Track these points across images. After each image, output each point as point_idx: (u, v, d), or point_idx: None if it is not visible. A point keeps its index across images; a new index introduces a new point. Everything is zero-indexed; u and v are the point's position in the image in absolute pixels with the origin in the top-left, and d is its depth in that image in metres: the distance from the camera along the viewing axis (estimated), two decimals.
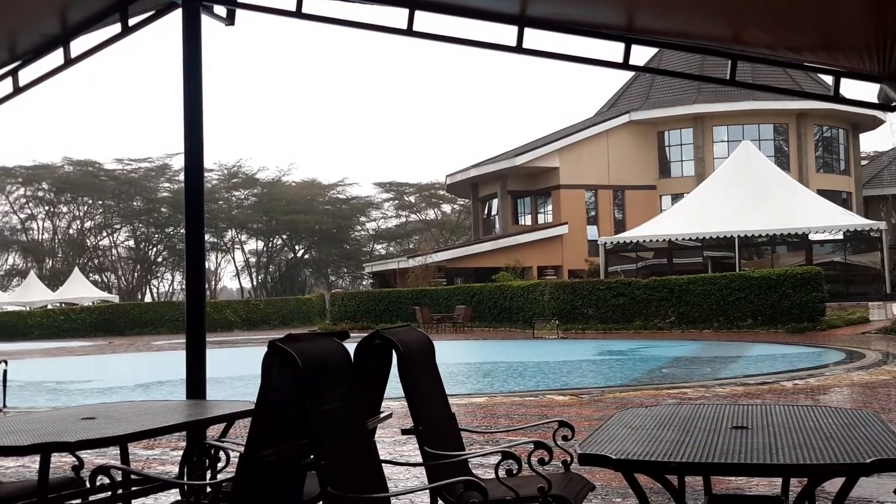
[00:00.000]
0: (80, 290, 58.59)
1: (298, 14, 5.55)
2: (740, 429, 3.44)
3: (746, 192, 34.87)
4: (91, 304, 53.72)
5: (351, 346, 3.60)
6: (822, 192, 40.73)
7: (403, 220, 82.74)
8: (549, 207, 50.43)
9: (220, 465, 4.16)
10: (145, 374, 20.27)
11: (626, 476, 3.08)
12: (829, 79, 5.72)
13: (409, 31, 5.48)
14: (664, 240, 36.70)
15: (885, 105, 5.53)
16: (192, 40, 5.84)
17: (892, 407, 10.00)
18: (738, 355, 19.99)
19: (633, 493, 3.18)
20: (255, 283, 78.98)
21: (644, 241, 37.52)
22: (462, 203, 73.49)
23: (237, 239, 78.12)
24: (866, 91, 5.80)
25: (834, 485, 3.18)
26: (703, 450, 3.05)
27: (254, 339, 35.54)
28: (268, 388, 2.96)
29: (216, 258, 79.61)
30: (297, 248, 79.92)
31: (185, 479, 4.44)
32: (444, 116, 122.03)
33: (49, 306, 54.32)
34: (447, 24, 5.59)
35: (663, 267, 36.62)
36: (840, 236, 34.61)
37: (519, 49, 5.53)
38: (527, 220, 52.43)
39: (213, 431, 5.20)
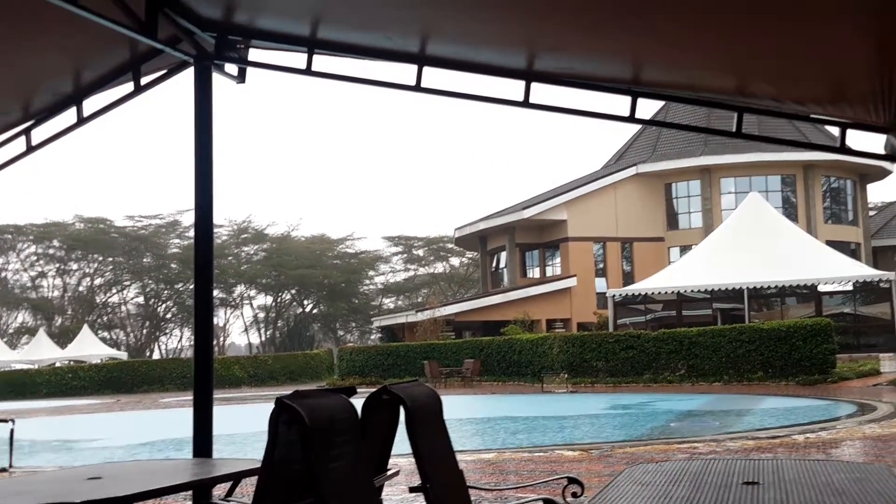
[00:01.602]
0: (88, 347, 58.53)
1: (308, 71, 5.62)
2: (752, 485, 3.39)
3: (755, 244, 34.83)
4: (99, 361, 53.64)
5: (358, 402, 3.58)
6: (830, 243, 40.67)
7: (412, 273, 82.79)
8: (558, 260, 50.45)
9: None
10: (153, 431, 20.15)
11: None
12: (835, 130, 5.74)
13: (417, 87, 5.54)
14: (673, 292, 36.59)
15: (892, 156, 5.54)
16: (203, 98, 5.91)
17: None
18: (749, 408, 19.79)
19: None
20: (263, 338, 78.85)
21: (653, 293, 37.39)
22: (470, 256, 73.57)
23: (246, 294, 78.21)
24: (873, 142, 5.82)
25: None
26: None
27: (261, 395, 35.37)
28: (274, 445, 2.94)
29: (225, 314, 79.63)
30: (305, 302, 79.92)
31: None
32: (452, 170, 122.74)
33: (58, 364, 54.23)
34: (455, 79, 5.65)
35: (672, 319, 36.47)
36: (849, 287, 34.47)
37: (526, 104, 5.58)
38: (535, 273, 52.41)
39: (220, 490, 5.14)
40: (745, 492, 3.25)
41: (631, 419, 18.54)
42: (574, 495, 3.96)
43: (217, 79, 5.93)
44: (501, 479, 9.36)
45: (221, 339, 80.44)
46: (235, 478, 4.21)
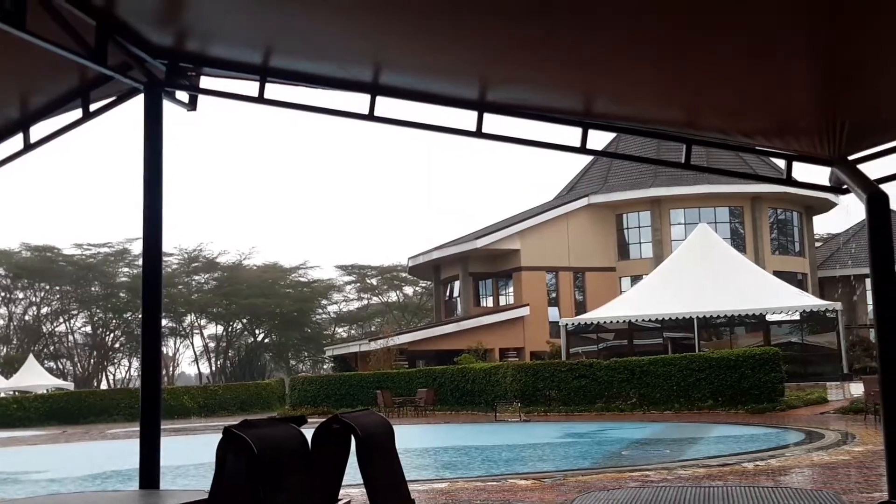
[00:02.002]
0: (34, 377, 57.28)
1: (260, 99, 5.60)
2: None
3: (704, 274, 35.34)
4: (45, 391, 52.50)
5: (309, 432, 3.55)
6: (777, 274, 41.35)
7: (365, 302, 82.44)
8: (511, 289, 50.62)
9: None
10: (99, 463, 19.73)
11: None
12: (782, 163, 5.85)
13: (370, 117, 5.55)
14: (624, 321, 36.90)
15: (836, 188, 5.66)
16: (153, 125, 5.86)
17: (852, 487, 10.01)
18: (700, 436, 19.96)
19: None
20: (213, 368, 77.81)
21: (605, 322, 37.68)
22: (424, 285, 73.52)
23: (196, 324, 77.20)
24: (818, 174, 5.95)
25: None
26: None
27: (211, 425, 34.85)
28: (222, 476, 2.89)
29: (175, 343, 78.49)
30: (257, 332, 79.13)
31: None
32: (406, 199, 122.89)
33: (2, 395, 52.97)
34: (408, 108, 5.68)
35: (624, 348, 36.74)
36: (797, 317, 35.05)
37: (479, 133, 5.62)
38: (488, 302, 52.53)
39: None
40: None
41: (583, 448, 18.58)
42: None
43: (168, 106, 5.89)
44: None
45: (171, 368, 79.25)
46: None
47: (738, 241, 47.79)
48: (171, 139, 6.00)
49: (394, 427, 4.33)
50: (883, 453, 5.08)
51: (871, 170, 5.41)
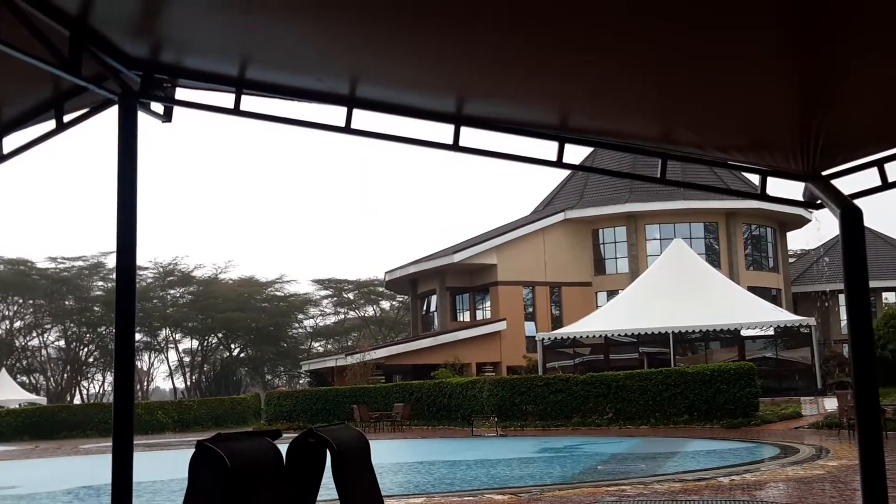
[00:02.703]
0: (6, 392, 56.58)
1: (236, 111, 5.56)
2: None
3: (679, 289, 35.54)
4: (18, 406, 51.86)
5: (284, 446, 3.51)
6: (752, 289, 41.66)
7: (342, 317, 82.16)
8: (488, 304, 50.66)
9: None
10: (72, 479, 19.49)
11: None
12: (756, 178, 5.89)
13: (347, 129, 5.53)
14: (600, 336, 37.01)
15: (810, 203, 5.70)
16: (128, 137, 5.80)
17: (827, 502, 10.05)
18: (676, 451, 20.00)
19: None
20: (188, 383, 77.19)
21: (581, 337, 37.76)
22: (401, 300, 73.41)
23: (171, 338, 76.60)
24: (793, 190, 5.99)
25: None
26: None
27: (186, 441, 34.52)
28: (195, 491, 2.85)
29: (149, 358, 77.84)
30: (232, 346, 78.61)
31: None
32: (383, 213, 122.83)
33: None
34: (385, 121, 5.67)
35: (600, 363, 36.82)
36: (771, 332, 35.28)
37: (456, 147, 5.61)
38: (465, 317, 52.53)
39: None
40: None
41: (560, 462, 18.57)
42: None
43: (143, 118, 5.84)
44: None
45: (145, 383, 78.58)
46: None
47: (712, 257, 48.11)
48: (146, 151, 5.95)
49: (370, 442, 4.30)
50: (857, 467, 5.11)
51: (845, 185, 5.45)
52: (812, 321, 34.62)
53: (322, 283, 78.33)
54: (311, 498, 3.86)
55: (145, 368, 77.89)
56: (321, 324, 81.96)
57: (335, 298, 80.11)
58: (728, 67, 4.44)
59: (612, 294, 45.70)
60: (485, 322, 49.06)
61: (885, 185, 5.28)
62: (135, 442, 5.63)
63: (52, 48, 4.72)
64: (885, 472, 4.89)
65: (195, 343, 77.66)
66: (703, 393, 27.27)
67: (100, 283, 74.12)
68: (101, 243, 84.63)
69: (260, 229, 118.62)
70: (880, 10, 3.65)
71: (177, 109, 5.93)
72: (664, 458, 18.34)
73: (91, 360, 76.95)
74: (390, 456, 20.77)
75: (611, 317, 37.34)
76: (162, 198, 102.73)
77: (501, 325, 47.36)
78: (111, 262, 70.13)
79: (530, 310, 49.53)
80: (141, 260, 72.14)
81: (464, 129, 5.60)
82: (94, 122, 6.15)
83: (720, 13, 3.86)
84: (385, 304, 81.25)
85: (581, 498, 11.18)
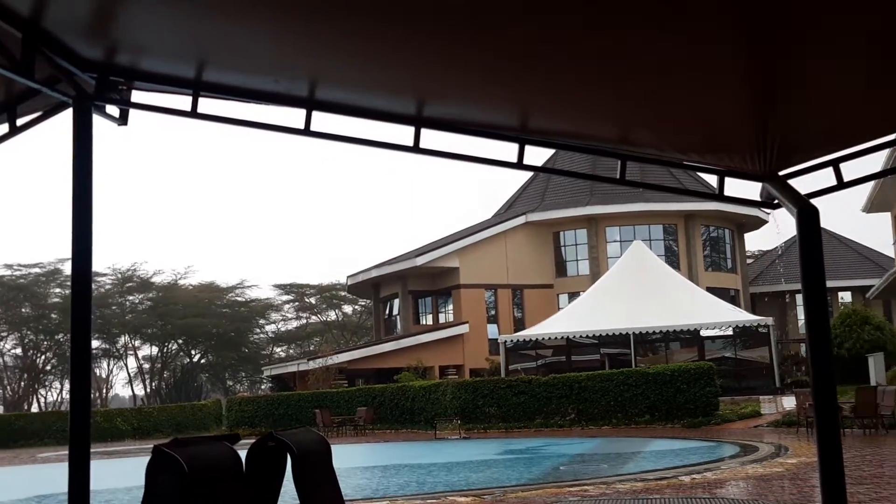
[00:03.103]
0: None
1: (194, 114, 5.50)
2: None
3: (640, 291, 35.83)
4: None
5: (244, 451, 3.47)
6: (711, 290, 42.12)
7: (304, 321, 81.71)
8: (450, 307, 50.69)
9: None
10: (29, 487, 19.18)
11: None
12: (714, 179, 5.93)
13: (306, 132, 5.49)
14: (562, 337, 37.18)
15: (767, 203, 5.77)
16: (82, 141, 5.71)
17: (787, 499, 10.17)
18: (637, 451, 20.14)
19: None
20: (148, 390, 76.28)
21: (543, 338, 37.91)
22: (363, 304, 73.20)
23: (130, 345, 75.67)
24: (750, 191, 6.06)
25: None
26: None
27: (145, 448, 34.10)
28: (152, 496, 2.81)
29: (108, 365, 76.82)
30: (193, 352, 77.84)
31: None
32: (344, 217, 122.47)
33: None
34: (344, 124, 5.64)
35: (562, 364, 36.98)
36: (730, 332, 35.66)
37: (416, 149, 5.60)
38: (428, 320, 52.52)
39: None
40: None
41: (523, 464, 18.61)
42: None
43: (98, 121, 5.76)
44: None
45: (104, 391, 77.53)
46: None
47: (672, 258, 48.57)
48: (102, 155, 5.86)
49: (333, 446, 4.27)
50: (816, 465, 5.17)
51: (802, 185, 5.53)
52: (770, 321, 35.07)
53: (283, 288, 77.89)
54: (271, 501, 3.82)
55: (104, 375, 76.86)
56: (283, 329, 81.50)
57: (297, 303, 79.68)
58: (685, 70, 4.48)
59: (573, 296, 45.94)
60: (447, 325, 49.08)
61: (841, 185, 5.36)
62: (94, 449, 5.55)
63: (4, 50, 4.64)
64: (843, 468, 4.96)
65: (155, 349, 76.81)
66: (663, 393, 27.51)
67: (57, 290, 73.02)
68: (58, 250, 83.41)
69: (220, 235, 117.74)
70: (833, 16, 3.71)
71: (133, 112, 5.85)
72: (626, 458, 18.46)
73: (49, 367, 75.78)
74: (353, 460, 20.69)
75: (572, 318, 37.54)
76: (120, 203, 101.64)
77: (464, 328, 47.41)
78: (69, 268, 69.02)
79: (492, 312, 49.64)
80: (99, 266, 71.26)
81: (424, 131, 5.59)
82: (49, 125, 6.06)
83: (676, 20, 3.89)
84: (347, 309, 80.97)
85: (544, 499, 11.20)
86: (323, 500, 3.89)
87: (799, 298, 44.83)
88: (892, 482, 11.11)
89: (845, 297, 52.37)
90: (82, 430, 5.37)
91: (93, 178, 5.80)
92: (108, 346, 73.89)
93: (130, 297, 74.84)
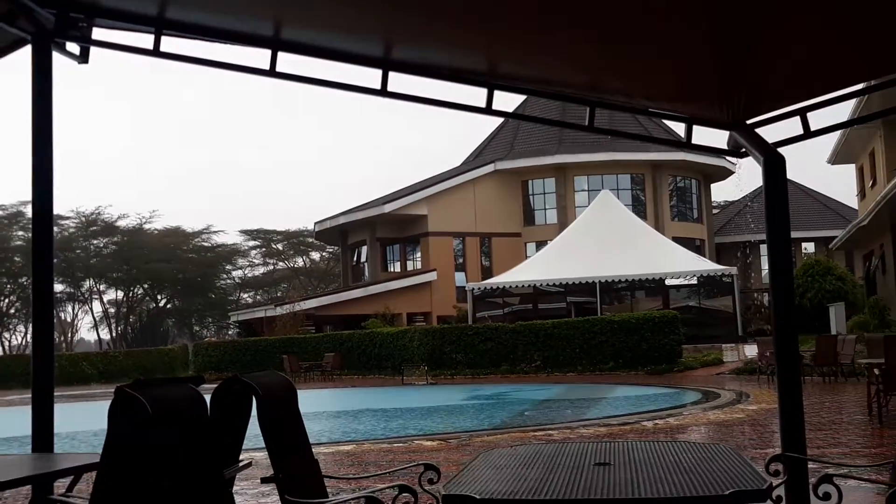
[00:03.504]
0: None
1: (156, 53, 5.39)
2: (603, 465, 3.46)
3: (606, 240, 36.05)
4: None
5: (209, 395, 3.46)
6: (677, 240, 42.45)
7: (271, 267, 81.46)
8: (418, 254, 50.72)
9: None
10: None
11: None
12: (682, 127, 5.92)
13: (272, 73, 5.40)
14: (529, 286, 37.40)
15: (734, 151, 5.78)
16: (41, 79, 5.59)
17: (747, 444, 10.37)
18: (601, 397, 20.42)
19: None
20: (114, 334, 75.93)
21: (510, 286, 38.12)
22: (331, 250, 73.03)
23: (95, 289, 75.09)
24: (718, 140, 6.07)
25: None
26: (567, 487, 3.05)
27: (110, 392, 33.94)
28: (115, 437, 2.79)
29: (73, 309, 76.26)
30: (159, 297, 77.45)
31: None
32: (311, 162, 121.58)
33: None
34: (312, 65, 5.55)
35: (529, 312, 37.26)
36: (694, 281, 36.05)
37: (384, 92, 5.53)
38: (396, 267, 52.56)
39: (61, 487, 4.90)
40: (596, 472, 3.31)
41: (489, 409, 18.81)
42: (430, 482, 3.95)
43: (58, 59, 5.63)
44: (360, 471, 9.32)
45: (69, 335, 77.07)
46: (76, 472, 4.00)
47: (639, 208, 48.81)
48: (63, 95, 5.75)
49: (300, 391, 4.27)
50: (776, 411, 5.25)
51: (769, 133, 5.55)
52: (734, 270, 35.48)
53: (250, 234, 77.46)
54: (236, 444, 3.82)
55: (69, 319, 76.35)
56: (250, 275, 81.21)
57: (264, 249, 79.35)
58: (653, 16, 4.44)
59: (541, 245, 46.14)
60: (415, 273, 49.16)
61: (808, 134, 5.37)
62: (60, 393, 5.52)
63: None
64: (802, 414, 5.05)
65: (120, 294, 76.32)
66: (628, 341, 27.85)
67: (20, 233, 72.02)
68: (20, 192, 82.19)
69: (185, 179, 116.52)
70: None
71: (94, 50, 5.72)
72: (590, 404, 18.71)
73: (12, 311, 75.07)
74: (320, 404, 20.79)
75: (539, 267, 37.74)
76: (82, 145, 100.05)
77: (432, 276, 47.52)
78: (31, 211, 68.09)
79: (460, 260, 49.75)
80: (62, 209, 70.31)
81: (392, 75, 5.52)
82: (7, 62, 5.92)
83: None
84: (315, 255, 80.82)
85: (509, 442, 11.34)
86: (288, 442, 3.90)
87: (763, 249, 45.31)
88: (850, 428, 11.36)
89: (809, 247, 53.05)
90: (45, 373, 5.34)
91: (52, 118, 5.69)
92: (72, 290, 73.27)
93: (95, 241, 74.07)
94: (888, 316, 28.55)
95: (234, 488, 5.69)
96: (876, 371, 11.83)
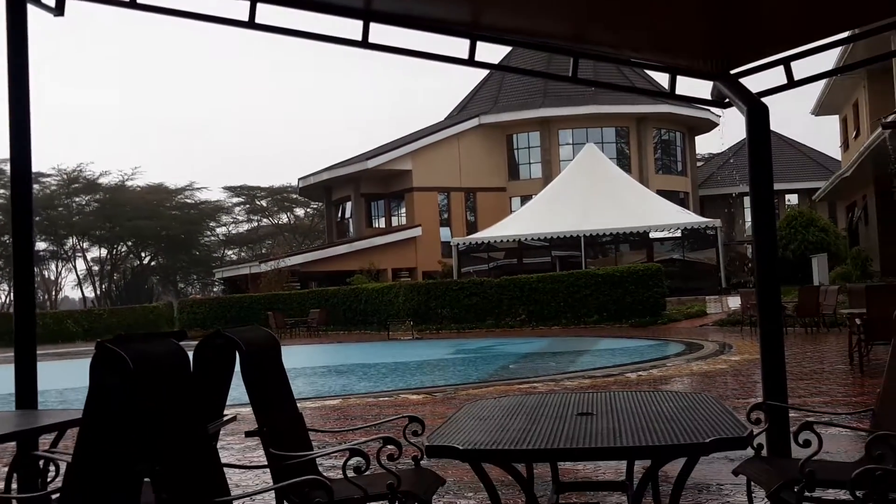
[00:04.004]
0: None
1: (133, 4, 5.30)
2: (586, 415, 3.48)
3: (591, 193, 36.07)
4: None
5: (192, 351, 3.45)
6: (661, 193, 42.51)
7: (255, 224, 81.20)
8: (403, 210, 50.64)
9: (50, 476, 3.91)
10: None
11: (474, 467, 3.06)
12: (666, 77, 5.89)
13: (251, 24, 5.33)
14: (514, 240, 37.45)
15: (718, 102, 5.76)
16: (16, 32, 5.49)
17: (729, 394, 10.48)
18: (586, 349, 20.57)
19: (482, 484, 3.16)
20: (98, 292, 75.74)
21: (495, 241, 38.17)
22: (315, 206, 72.81)
23: (79, 247, 74.72)
24: (702, 91, 6.04)
25: (677, 470, 3.25)
26: (550, 437, 3.07)
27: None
28: (97, 392, 2.78)
29: (57, 267, 75.92)
30: (143, 255, 77.17)
31: (14, 492, 4.16)
32: (294, 118, 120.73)
33: None
34: (291, 17, 5.47)
35: (514, 267, 37.35)
36: (678, 234, 36.18)
37: (365, 44, 5.46)
38: (381, 223, 52.48)
39: (47, 444, 4.90)
40: (579, 422, 3.33)
41: (474, 363, 18.92)
42: (414, 434, 3.97)
43: (33, 10, 5.52)
44: (346, 424, 9.37)
45: (53, 293, 76.84)
46: (60, 428, 4.00)
47: (623, 161, 48.78)
48: (41, 48, 5.65)
49: (285, 348, 4.26)
50: (758, 362, 5.30)
51: (753, 84, 5.52)
52: (718, 223, 35.61)
53: (234, 191, 77.07)
54: (220, 400, 3.82)
55: (53, 278, 76.04)
56: (234, 231, 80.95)
57: (248, 206, 79.01)
58: None
59: (525, 199, 46.12)
60: (400, 228, 49.12)
61: (792, 84, 5.35)
62: (44, 351, 5.50)
63: None
64: (784, 364, 5.09)
65: (104, 252, 76.00)
66: (612, 294, 27.99)
67: (0, 192, 71.46)
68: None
69: (167, 135, 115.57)
70: None
71: (70, 2, 5.61)
72: (574, 357, 18.85)
73: None
74: (305, 360, 20.86)
75: (524, 221, 37.76)
76: (62, 101, 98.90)
77: (417, 231, 47.50)
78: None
79: (445, 215, 49.72)
80: (43, 166, 69.69)
81: (373, 26, 5.45)
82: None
83: None
84: (299, 212, 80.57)
85: (494, 396, 11.39)
86: (272, 396, 3.90)
87: (747, 202, 45.44)
88: (831, 378, 11.49)
89: (792, 199, 53.26)
90: (27, 329, 5.32)
91: (29, 73, 5.60)
92: (55, 248, 72.88)
93: (77, 199, 73.53)
94: (870, 267, 28.78)
95: (220, 443, 5.72)
96: (857, 321, 11.95)
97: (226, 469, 3.28)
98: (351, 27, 5.46)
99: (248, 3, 5.26)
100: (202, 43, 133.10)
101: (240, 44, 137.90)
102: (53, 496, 3.42)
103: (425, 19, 5.61)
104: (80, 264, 76.03)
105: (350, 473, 3.36)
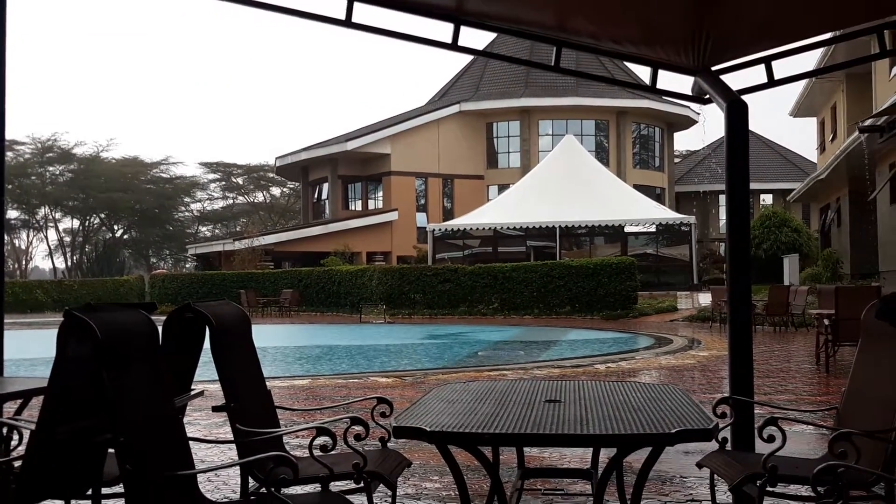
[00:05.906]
0: None
1: None
2: (553, 402, 3.50)
3: (568, 185, 36.18)
4: None
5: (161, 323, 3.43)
6: (638, 187, 42.73)
7: (230, 202, 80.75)
8: (380, 193, 50.55)
9: (13, 444, 3.88)
10: None
11: (441, 449, 3.07)
12: (648, 71, 5.90)
13: None
14: (490, 228, 37.50)
15: (698, 97, 5.78)
16: None
17: (696, 389, 10.56)
18: (556, 340, 20.66)
19: (448, 466, 3.17)
20: (69, 263, 75.08)
21: (471, 229, 38.20)
22: (292, 186, 72.50)
23: (51, 217, 74.01)
24: (682, 87, 6.06)
25: (641, 460, 3.28)
26: (517, 422, 3.08)
27: None
28: (63, 360, 2.75)
29: (28, 236, 75.17)
30: (115, 227, 76.55)
31: None
32: (274, 95, 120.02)
33: None
34: None
35: (488, 255, 37.41)
36: (653, 229, 36.38)
37: (348, 23, 5.43)
38: (357, 206, 52.36)
39: (11, 413, 4.86)
40: (547, 409, 3.35)
41: (445, 349, 18.95)
42: (382, 415, 3.97)
43: None
44: (314, 404, 9.36)
45: (24, 262, 76.07)
46: (25, 395, 3.97)
47: (602, 154, 48.94)
48: (18, 16, 5.57)
49: (257, 326, 4.24)
50: (726, 358, 5.34)
51: (733, 81, 5.54)
52: (692, 219, 35.84)
53: (210, 167, 76.55)
54: (188, 373, 3.80)
55: (23, 247, 75.28)
56: (209, 208, 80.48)
57: (224, 182, 78.54)
58: None
59: (503, 188, 46.17)
60: (376, 212, 49.04)
61: (772, 83, 5.38)
62: (14, 320, 5.44)
63: None
64: (751, 361, 5.13)
65: (76, 223, 75.31)
66: (585, 285, 28.12)
67: None
68: None
69: (144, 107, 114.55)
70: None
71: None
72: (545, 346, 18.93)
73: None
74: (277, 340, 20.81)
75: (501, 210, 37.82)
76: (38, 68, 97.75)
77: (393, 216, 47.44)
78: None
79: (422, 201, 49.68)
80: (17, 134, 68.85)
81: (357, 5, 5.42)
82: None
83: None
84: (276, 191, 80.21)
85: (463, 381, 11.45)
86: (241, 373, 3.89)
87: (722, 200, 45.72)
88: (797, 376, 11.61)
89: (767, 199, 53.68)
90: None
91: (6, 40, 5.52)
92: (27, 217, 72.13)
93: (51, 168, 72.76)
94: (841, 269, 29.08)
95: (186, 418, 5.69)
96: (826, 322, 12.08)
97: (192, 443, 3.26)
98: (335, 5, 5.43)
99: None
100: (186, 15, 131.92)
101: (222, 18, 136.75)
102: (15, 464, 3.39)
103: (410, 1, 5.59)
104: (52, 235, 75.42)
105: (317, 452, 3.35)
